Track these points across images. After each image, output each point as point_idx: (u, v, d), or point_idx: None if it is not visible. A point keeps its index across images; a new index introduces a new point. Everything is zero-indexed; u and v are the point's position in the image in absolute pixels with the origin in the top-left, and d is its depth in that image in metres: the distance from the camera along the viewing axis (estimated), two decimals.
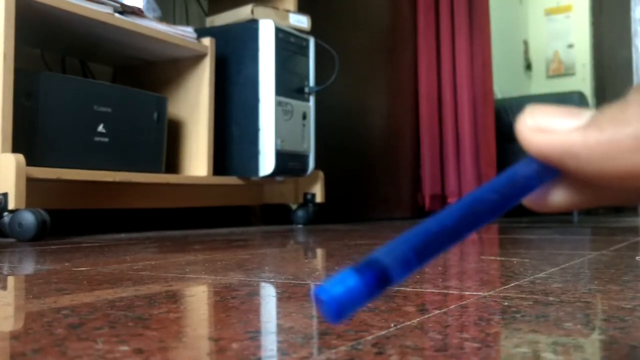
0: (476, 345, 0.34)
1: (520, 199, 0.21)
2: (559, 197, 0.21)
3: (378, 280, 0.18)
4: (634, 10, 3.88)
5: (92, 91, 1.54)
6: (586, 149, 0.19)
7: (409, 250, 0.19)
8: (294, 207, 2.14)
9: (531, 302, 0.48)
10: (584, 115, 0.19)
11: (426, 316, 0.43)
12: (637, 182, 0.19)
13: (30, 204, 1.28)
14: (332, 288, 0.18)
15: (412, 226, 0.19)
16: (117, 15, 1.55)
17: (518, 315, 0.43)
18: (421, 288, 0.57)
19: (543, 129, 0.20)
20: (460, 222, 0.19)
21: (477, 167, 2.97)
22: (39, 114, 1.40)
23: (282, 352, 0.34)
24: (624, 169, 0.18)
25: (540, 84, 4.57)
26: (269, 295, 0.57)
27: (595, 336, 0.37)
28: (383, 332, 0.37)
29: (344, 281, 0.18)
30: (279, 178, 1.98)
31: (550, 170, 0.21)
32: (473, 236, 1.43)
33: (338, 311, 0.18)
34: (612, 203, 0.21)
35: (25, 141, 1.35)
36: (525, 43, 4.61)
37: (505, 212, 0.20)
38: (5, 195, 1.26)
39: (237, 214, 2.30)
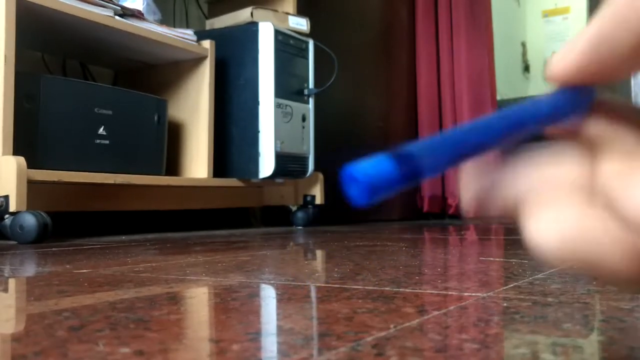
0: (475, 346, 0.35)
1: (550, 122, 0.21)
2: (592, 126, 0.21)
3: (410, 168, 0.18)
4: None
5: (93, 94, 1.54)
6: (630, 11, 0.18)
7: (440, 147, 0.19)
8: (293, 208, 2.14)
9: (530, 303, 0.48)
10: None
11: (426, 317, 0.43)
12: None
13: (31, 206, 1.28)
14: (367, 169, 0.18)
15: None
16: (117, 18, 1.56)
17: (517, 316, 0.43)
18: (420, 289, 0.57)
19: (571, 47, 0.21)
20: (493, 127, 0.20)
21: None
22: (39, 117, 1.40)
23: (282, 353, 0.34)
24: None
25: (538, 86, 4.57)
26: (269, 296, 0.57)
27: (594, 337, 0.37)
28: (383, 334, 0.37)
29: (379, 164, 0.18)
30: (278, 180, 1.98)
31: (582, 101, 0.21)
32: (472, 237, 1.43)
33: (370, 192, 0.18)
34: None
35: (26, 144, 1.36)
36: (523, 45, 4.61)
37: (537, 129, 0.21)
38: (6, 197, 1.26)
39: (237, 216, 2.31)
